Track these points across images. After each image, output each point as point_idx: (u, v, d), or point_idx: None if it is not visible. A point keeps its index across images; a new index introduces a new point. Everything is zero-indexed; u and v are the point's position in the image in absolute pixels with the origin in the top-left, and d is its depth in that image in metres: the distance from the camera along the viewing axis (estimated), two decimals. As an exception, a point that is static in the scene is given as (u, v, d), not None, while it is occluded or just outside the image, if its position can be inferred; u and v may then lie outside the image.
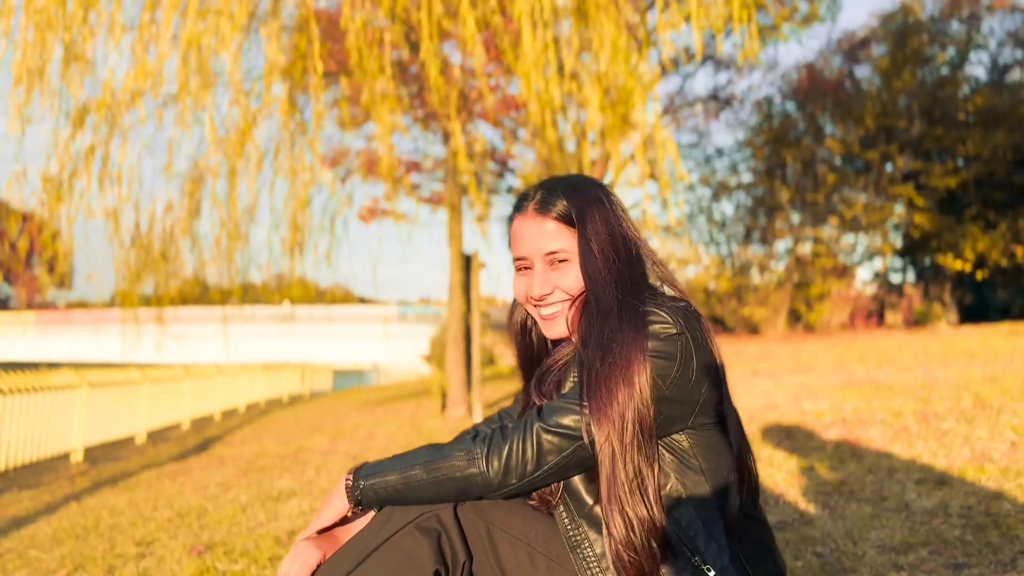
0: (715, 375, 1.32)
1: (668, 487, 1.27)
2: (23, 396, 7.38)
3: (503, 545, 1.34)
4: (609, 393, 1.21)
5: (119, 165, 8.96)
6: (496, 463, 1.24)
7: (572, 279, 1.39)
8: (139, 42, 7.95)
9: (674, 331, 1.26)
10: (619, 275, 1.34)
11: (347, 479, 1.35)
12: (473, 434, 1.33)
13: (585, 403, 1.24)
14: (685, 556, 1.24)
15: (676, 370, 1.24)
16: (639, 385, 1.21)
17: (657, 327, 1.25)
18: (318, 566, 1.32)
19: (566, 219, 1.39)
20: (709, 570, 1.23)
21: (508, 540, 1.34)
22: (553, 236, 1.39)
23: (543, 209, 1.40)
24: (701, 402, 1.28)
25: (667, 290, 1.43)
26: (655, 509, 1.22)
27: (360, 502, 1.33)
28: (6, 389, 7.11)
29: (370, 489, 1.31)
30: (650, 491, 1.23)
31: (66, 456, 8.31)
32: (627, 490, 1.21)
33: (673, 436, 1.29)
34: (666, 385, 1.24)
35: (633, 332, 1.25)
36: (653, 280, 1.43)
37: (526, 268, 1.45)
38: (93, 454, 8.72)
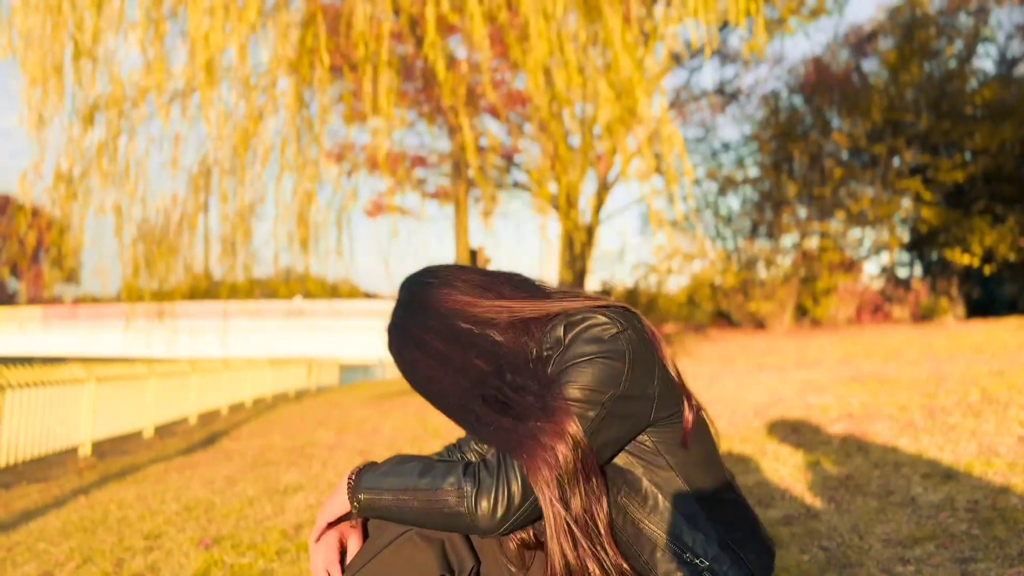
0: (664, 369, 1.30)
1: (642, 490, 1.26)
2: (31, 390, 7.41)
3: (511, 544, 1.35)
4: (532, 459, 1.19)
5: (127, 161, 9.00)
6: (485, 504, 1.19)
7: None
8: (148, 38, 7.97)
9: (615, 329, 1.24)
10: (473, 363, 1.31)
11: (349, 480, 1.33)
12: (463, 466, 1.25)
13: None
14: (674, 553, 1.24)
15: (628, 367, 1.22)
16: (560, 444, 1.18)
17: (597, 330, 1.23)
18: (342, 552, 1.34)
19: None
20: (702, 562, 1.23)
21: (515, 540, 1.35)
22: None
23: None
24: (658, 395, 1.26)
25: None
26: (608, 551, 1.23)
27: (359, 509, 1.33)
28: (14, 383, 7.14)
29: (367, 502, 1.30)
30: (601, 530, 1.23)
31: (74, 450, 8.35)
32: (578, 535, 1.21)
33: (637, 438, 1.27)
34: (622, 384, 1.22)
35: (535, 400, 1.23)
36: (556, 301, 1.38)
37: None
38: (101, 448, 8.76)
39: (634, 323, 1.28)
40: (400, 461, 1.31)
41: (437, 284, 1.38)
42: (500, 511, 1.18)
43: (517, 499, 1.19)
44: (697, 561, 1.23)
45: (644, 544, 1.25)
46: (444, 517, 1.22)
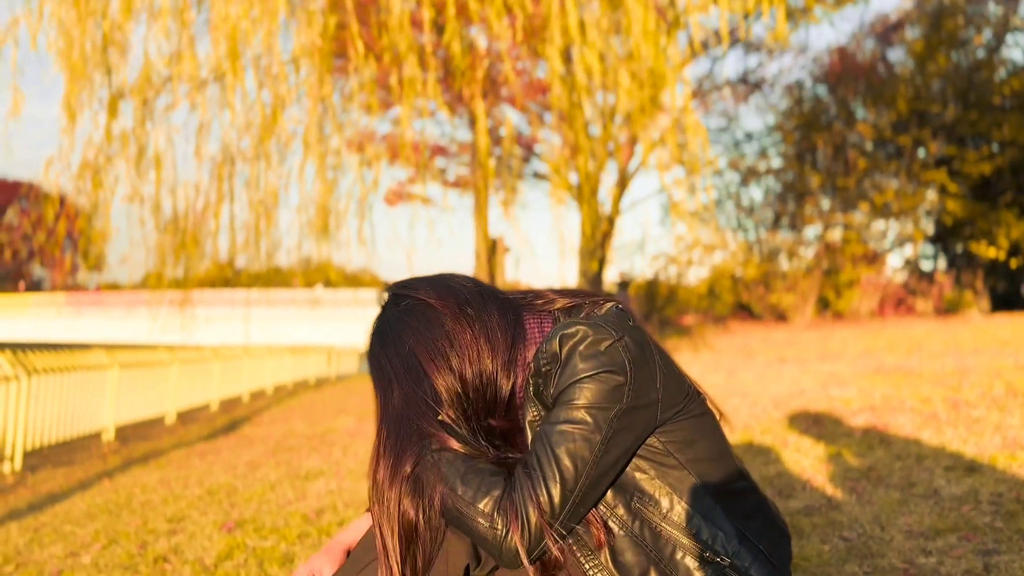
0: (666, 368, 1.28)
1: (656, 493, 1.24)
2: (55, 376, 7.51)
3: None
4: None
5: (153, 149, 9.08)
6: (513, 548, 1.15)
7: None
8: (176, 26, 8.02)
9: (611, 339, 1.21)
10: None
11: None
12: (502, 490, 1.18)
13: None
14: (695, 553, 1.22)
15: (629, 377, 1.20)
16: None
17: (593, 342, 1.21)
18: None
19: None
20: (723, 559, 1.22)
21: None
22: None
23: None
24: (662, 396, 1.24)
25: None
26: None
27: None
28: (40, 369, 7.24)
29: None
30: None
31: (98, 435, 8.45)
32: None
33: (646, 441, 1.25)
34: (626, 396, 1.19)
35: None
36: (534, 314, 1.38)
37: None
38: (124, 433, 8.86)
39: (627, 325, 1.26)
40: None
41: (424, 304, 1.36)
42: (524, 556, 1.16)
43: (542, 541, 1.17)
44: (718, 559, 1.22)
45: (664, 547, 1.23)
46: (471, 534, 1.19)
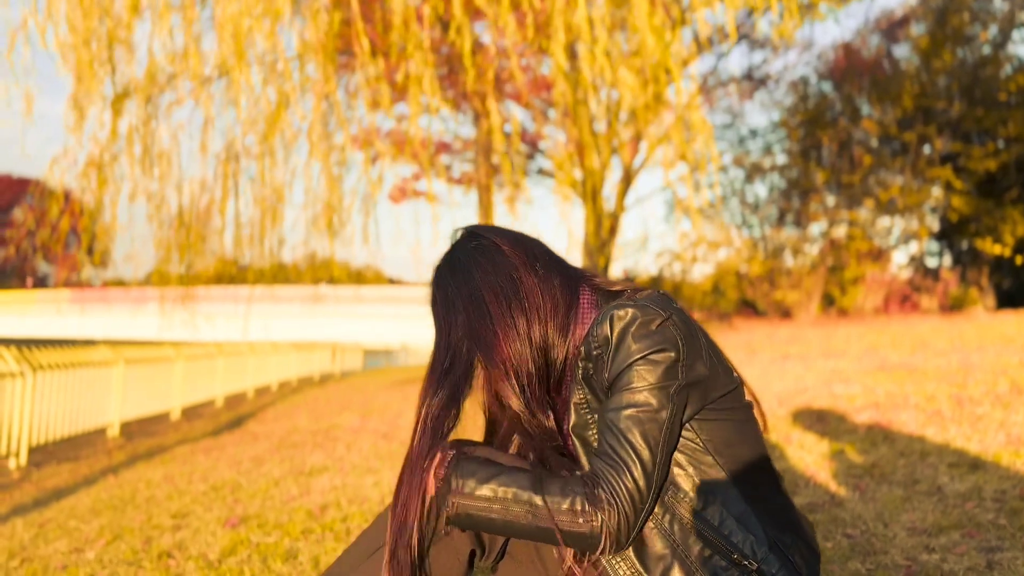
0: (710, 347, 1.30)
1: (691, 490, 1.25)
2: (61, 372, 7.54)
3: None
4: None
5: (158, 146, 9.10)
6: (609, 535, 1.17)
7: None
8: (181, 23, 8.04)
9: (660, 318, 1.23)
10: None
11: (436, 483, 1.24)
12: (580, 485, 1.19)
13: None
14: (724, 553, 1.22)
15: (682, 353, 1.22)
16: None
17: (644, 322, 1.22)
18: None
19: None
20: (751, 563, 1.21)
21: None
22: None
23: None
24: (710, 374, 1.26)
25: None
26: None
27: (452, 519, 1.24)
28: (45, 365, 7.26)
29: (463, 509, 1.22)
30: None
31: (103, 431, 8.48)
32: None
33: (685, 436, 1.26)
34: (680, 373, 1.22)
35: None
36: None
37: None
38: (129, 429, 8.89)
39: (673, 305, 1.28)
40: (493, 465, 1.25)
41: (492, 250, 1.38)
42: (623, 539, 1.18)
43: (638, 523, 1.20)
44: (746, 563, 1.21)
45: (692, 544, 1.23)
46: (563, 537, 1.18)
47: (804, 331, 15.05)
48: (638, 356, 1.21)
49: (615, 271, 20.96)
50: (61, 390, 7.52)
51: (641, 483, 1.17)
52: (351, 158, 9.98)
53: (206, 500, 4.22)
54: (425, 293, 1.40)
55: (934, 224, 22.51)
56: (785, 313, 21.85)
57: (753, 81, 22.31)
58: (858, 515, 2.78)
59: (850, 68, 22.32)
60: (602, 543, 1.16)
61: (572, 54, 7.71)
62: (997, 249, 19.57)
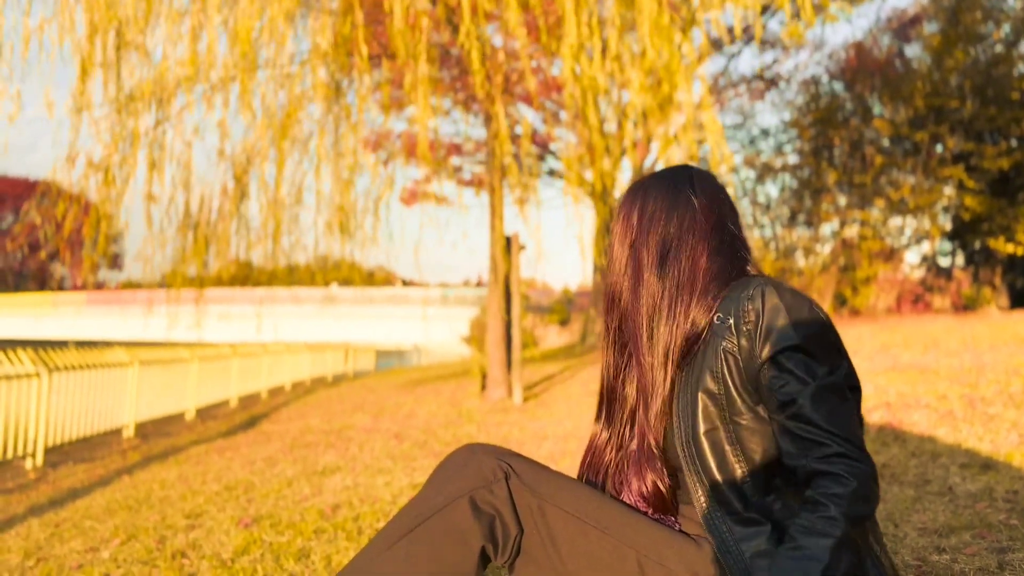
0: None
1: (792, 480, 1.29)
2: (76, 373, 7.60)
3: (555, 519, 1.35)
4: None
5: (168, 149, 9.16)
6: (870, 492, 1.24)
7: None
8: (191, 28, 8.09)
9: (809, 301, 1.30)
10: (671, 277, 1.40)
11: None
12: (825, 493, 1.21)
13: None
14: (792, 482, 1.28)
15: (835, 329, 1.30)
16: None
17: (800, 301, 1.29)
18: None
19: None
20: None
21: (560, 514, 1.36)
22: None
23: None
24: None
25: None
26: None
27: None
28: (61, 366, 7.33)
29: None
30: None
31: (118, 431, 8.55)
32: None
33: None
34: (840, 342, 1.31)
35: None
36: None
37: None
38: (144, 430, 8.96)
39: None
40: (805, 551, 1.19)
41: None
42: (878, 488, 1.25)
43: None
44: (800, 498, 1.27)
45: (766, 469, 1.31)
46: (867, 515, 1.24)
47: (816, 331, 14.97)
48: (807, 324, 1.26)
49: (626, 272, 20.86)
50: (77, 391, 7.59)
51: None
52: (363, 161, 10.01)
53: (220, 500, 4.25)
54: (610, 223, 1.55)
55: (946, 223, 22.36)
56: (797, 313, 21.72)
57: (764, 81, 22.28)
58: (868, 515, 2.78)
59: (862, 68, 22.23)
60: (871, 485, 1.24)
61: (580, 56, 7.71)
62: (1010, 248, 19.44)
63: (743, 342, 1.27)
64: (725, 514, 1.28)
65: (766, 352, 1.24)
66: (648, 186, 1.50)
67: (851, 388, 1.27)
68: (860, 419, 1.28)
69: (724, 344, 1.29)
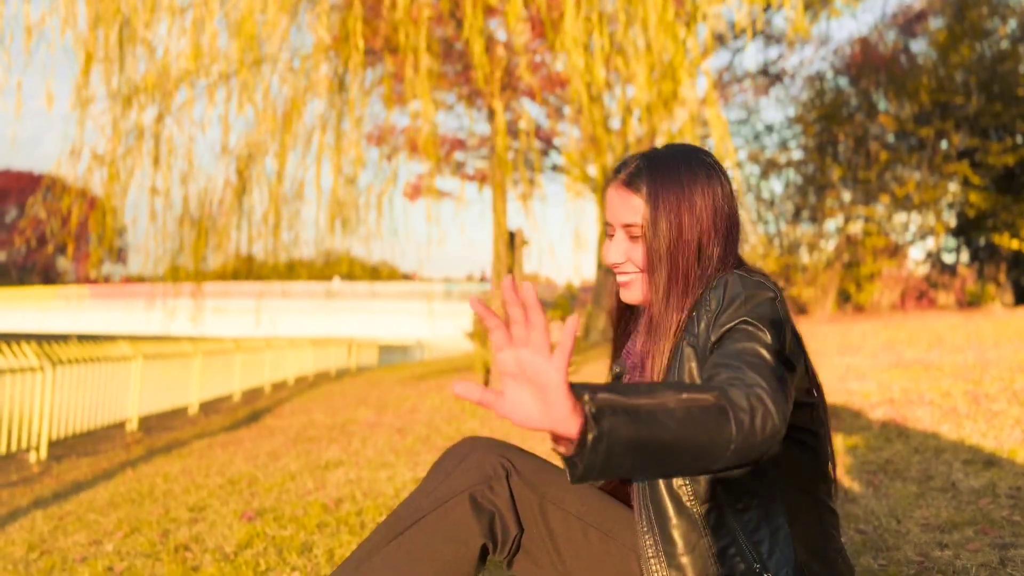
0: (799, 347, 1.30)
1: (736, 487, 1.23)
2: (80, 367, 7.62)
3: (556, 519, 1.35)
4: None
5: (170, 144, 9.17)
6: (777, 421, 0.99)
7: (643, 254, 1.37)
8: (192, 22, 8.09)
9: (772, 293, 1.23)
10: (682, 259, 1.33)
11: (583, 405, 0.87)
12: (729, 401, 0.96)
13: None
14: (749, 561, 1.21)
15: (788, 324, 1.25)
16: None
17: (763, 292, 1.24)
18: None
19: (645, 197, 1.36)
20: None
21: (561, 515, 1.35)
22: (634, 211, 1.37)
23: (629, 183, 1.38)
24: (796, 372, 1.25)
25: None
26: None
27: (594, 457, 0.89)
28: (64, 360, 7.34)
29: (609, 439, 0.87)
30: None
31: (121, 425, 8.57)
32: None
33: None
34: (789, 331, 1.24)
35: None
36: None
37: (610, 235, 1.43)
38: (147, 423, 8.98)
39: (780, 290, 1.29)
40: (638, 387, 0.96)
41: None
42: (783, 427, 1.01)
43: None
44: (764, 575, 1.20)
45: (721, 538, 1.22)
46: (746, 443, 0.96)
47: (820, 327, 14.98)
48: (754, 301, 1.21)
49: (629, 267, 20.81)
50: (81, 385, 7.61)
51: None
52: (366, 155, 10.03)
53: (223, 494, 4.26)
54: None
55: (951, 220, 22.32)
56: (801, 309, 21.74)
57: (769, 77, 22.21)
58: (871, 511, 2.78)
59: (866, 63, 22.15)
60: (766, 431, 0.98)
61: (585, 51, 7.69)
62: (1015, 244, 19.39)
63: (701, 327, 1.24)
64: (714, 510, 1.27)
65: (716, 335, 1.19)
66: (674, 161, 1.40)
67: (789, 369, 1.18)
68: (788, 395, 1.07)
69: (688, 339, 1.27)
